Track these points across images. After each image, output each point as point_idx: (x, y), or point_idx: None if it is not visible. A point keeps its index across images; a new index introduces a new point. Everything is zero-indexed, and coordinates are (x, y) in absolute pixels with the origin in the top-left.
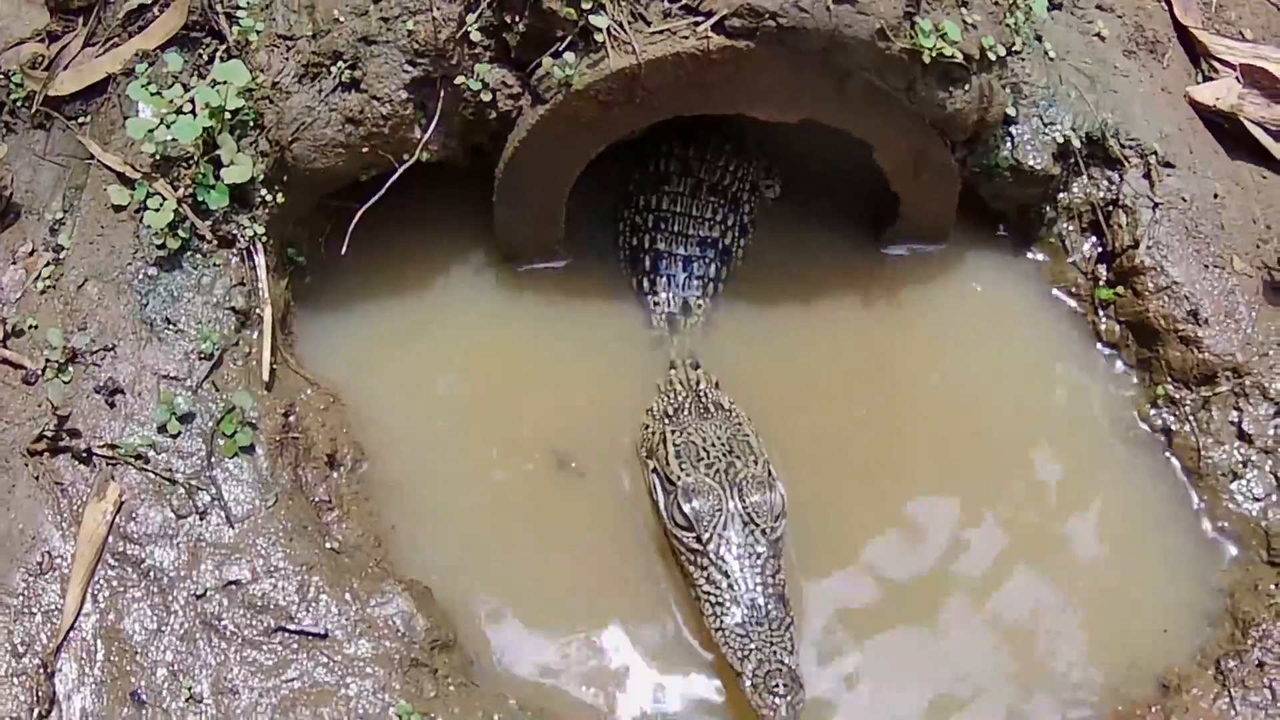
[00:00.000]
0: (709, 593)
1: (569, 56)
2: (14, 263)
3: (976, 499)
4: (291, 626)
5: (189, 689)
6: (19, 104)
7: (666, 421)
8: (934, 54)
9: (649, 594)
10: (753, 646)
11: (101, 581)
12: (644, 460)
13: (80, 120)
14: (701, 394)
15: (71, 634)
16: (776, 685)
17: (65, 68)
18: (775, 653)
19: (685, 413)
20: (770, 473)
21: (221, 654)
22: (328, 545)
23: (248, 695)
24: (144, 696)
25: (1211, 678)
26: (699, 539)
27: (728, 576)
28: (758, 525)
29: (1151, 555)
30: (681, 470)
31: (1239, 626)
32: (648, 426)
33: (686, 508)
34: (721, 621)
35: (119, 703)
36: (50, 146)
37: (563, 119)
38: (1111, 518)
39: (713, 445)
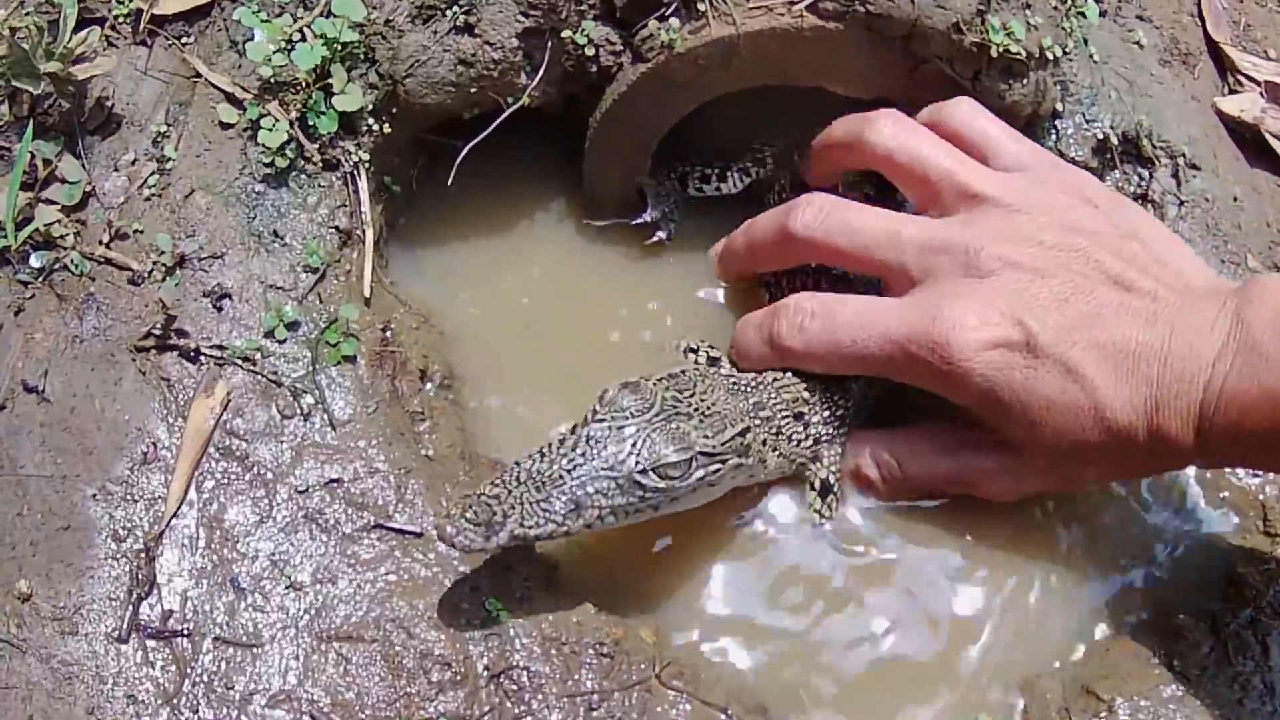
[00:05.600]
0: (548, 445)
1: (674, 21)
2: (116, 170)
3: None
4: (390, 524)
5: (289, 577)
6: (120, 20)
7: (702, 367)
8: (1001, 49)
9: None
10: (501, 486)
11: (206, 474)
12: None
13: (183, 40)
14: (752, 381)
15: (174, 521)
16: (470, 512)
17: None
18: (509, 503)
19: (720, 375)
20: (708, 455)
21: (322, 546)
22: (422, 452)
23: (346, 585)
24: (244, 583)
25: (1207, 630)
26: (590, 414)
27: (562, 445)
28: (634, 455)
29: (1156, 520)
30: (661, 386)
31: (1234, 587)
32: (694, 363)
33: (612, 390)
34: (519, 461)
35: (219, 588)
36: (152, 63)
37: (661, 78)
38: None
39: (702, 400)
